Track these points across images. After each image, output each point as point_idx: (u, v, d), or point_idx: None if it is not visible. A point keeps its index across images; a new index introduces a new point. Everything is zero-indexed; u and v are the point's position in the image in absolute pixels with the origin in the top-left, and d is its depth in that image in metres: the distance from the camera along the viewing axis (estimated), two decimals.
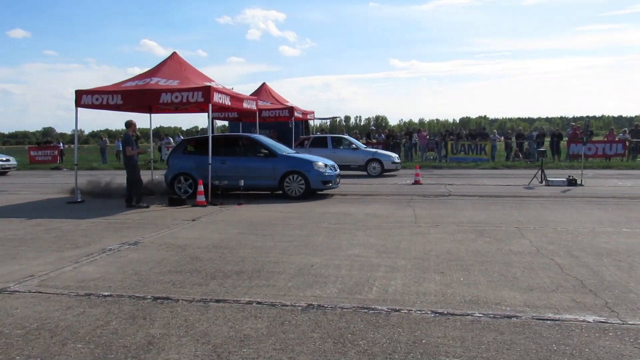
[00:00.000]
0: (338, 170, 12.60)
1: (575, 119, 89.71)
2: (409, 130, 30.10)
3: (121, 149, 14.17)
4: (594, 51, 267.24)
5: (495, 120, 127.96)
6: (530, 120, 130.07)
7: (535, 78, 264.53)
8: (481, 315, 4.02)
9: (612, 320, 3.87)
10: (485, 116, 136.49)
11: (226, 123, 23.01)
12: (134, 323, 3.95)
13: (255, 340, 3.59)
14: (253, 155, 12.12)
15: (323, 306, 4.28)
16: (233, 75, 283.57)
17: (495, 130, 31.60)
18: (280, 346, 3.48)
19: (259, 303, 4.38)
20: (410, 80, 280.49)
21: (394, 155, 19.78)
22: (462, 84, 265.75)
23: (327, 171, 11.94)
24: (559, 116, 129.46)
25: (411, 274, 5.22)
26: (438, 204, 10.71)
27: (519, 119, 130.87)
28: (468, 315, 4.03)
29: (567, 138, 24.78)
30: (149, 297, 4.60)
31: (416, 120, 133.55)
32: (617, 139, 23.98)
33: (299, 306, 4.29)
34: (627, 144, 23.00)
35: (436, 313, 4.08)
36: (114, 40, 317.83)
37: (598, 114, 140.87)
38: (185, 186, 12.03)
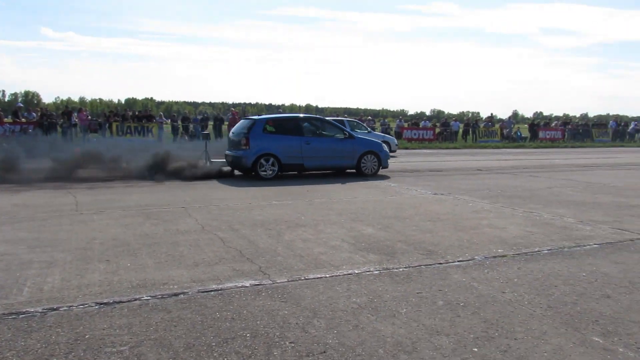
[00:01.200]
0: None
1: (234, 105, 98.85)
2: (68, 109, 27.09)
3: None
4: (248, 43, 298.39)
5: (162, 103, 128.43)
6: (195, 105, 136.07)
7: (200, 64, 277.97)
8: (149, 297, 3.99)
9: (265, 282, 4.43)
10: (152, 98, 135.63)
11: None
12: None
13: None
14: (333, 136, 12.72)
15: None
16: None
17: (161, 113, 31.75)
18: None
19: None
20: (68, 54, 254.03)
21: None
22: (128, 63, 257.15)
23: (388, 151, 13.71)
24: (220, 101, 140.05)
25: (72, 267, 4.76)
26: (103, 189, 10.08)
27: (185, 102, 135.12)
28: (136, 300, 3.94)
29: (227, 122, 27.01)
30: None
31: (76, 99, 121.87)
32: None
33: None
34: None
35: (101, 304, 3.84)
36: None
37: (253, 102, 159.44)
38: (269, 167, 11.82)
